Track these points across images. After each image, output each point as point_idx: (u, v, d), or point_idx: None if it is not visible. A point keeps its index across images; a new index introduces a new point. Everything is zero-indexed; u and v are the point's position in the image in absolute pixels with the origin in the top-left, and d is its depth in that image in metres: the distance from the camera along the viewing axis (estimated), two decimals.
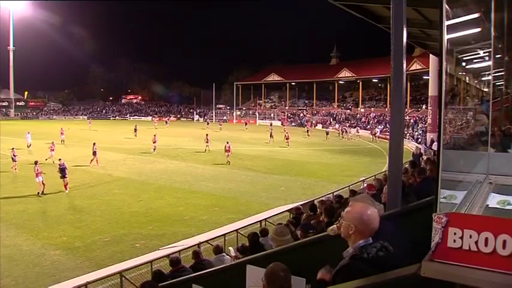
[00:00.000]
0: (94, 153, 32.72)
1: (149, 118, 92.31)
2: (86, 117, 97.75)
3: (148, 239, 16.67)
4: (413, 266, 1.94)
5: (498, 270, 1.68)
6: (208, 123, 79.00)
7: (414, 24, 15.15)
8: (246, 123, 76.09)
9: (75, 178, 26.81)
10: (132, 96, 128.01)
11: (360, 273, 2.79)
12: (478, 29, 4.62)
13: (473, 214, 2.30)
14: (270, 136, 49.98)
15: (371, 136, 56.46)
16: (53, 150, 33.69)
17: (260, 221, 16.48)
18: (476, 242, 1.72)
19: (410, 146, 44.16)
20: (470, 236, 1.73)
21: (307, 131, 59.59)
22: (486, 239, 1.70)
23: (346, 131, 61.12)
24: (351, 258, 2.91)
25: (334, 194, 16.73)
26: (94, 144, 33.37)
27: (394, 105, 5.68)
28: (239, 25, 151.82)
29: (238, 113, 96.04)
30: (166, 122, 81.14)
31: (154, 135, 41.68)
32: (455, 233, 1.75)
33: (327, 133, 58.17)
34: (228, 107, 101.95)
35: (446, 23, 2.12)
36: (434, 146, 18.24)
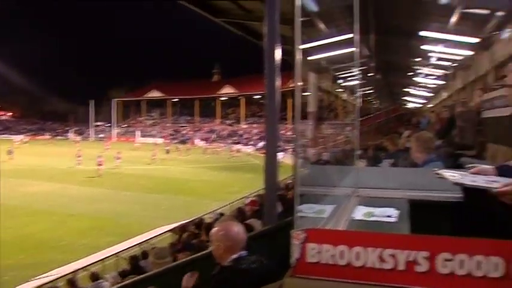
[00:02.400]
0: None
1: (21, 136, 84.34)
2: None
3: (19, 269, 15.23)
4: (276, 283, 2.00)
5: (352, 281, 1.78)
6: (77, 142, 73.65)
7: (290, 41, 15.93)
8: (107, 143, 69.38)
9: None
10: (0, 113, 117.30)
11: (228, 284, 2.83)
12: (353, 49, 4.94)
13: (330, 229, 2.43)
14: (153, 156, 48.33)
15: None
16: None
17: (141, 243, 16.03)
18: (333, 256, 1.81)
19: (291, 160, 45.87)
20: (328, 250, 1.82)
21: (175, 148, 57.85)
22: (342, 252, 1.80)
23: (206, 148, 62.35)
24: (221, 269, 2.95)
25: (217, 211, 16.83)
26: None
27: (268, 122, 5.83)
28: (119, 41, 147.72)
29: (118, 130, 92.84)
30: (21, 141, 73.05)
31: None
32: (313, 248, 1.83)
33: (168, 151, 57.19)
34: (108, 124, 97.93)
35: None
36: (323, 157, 19.24)
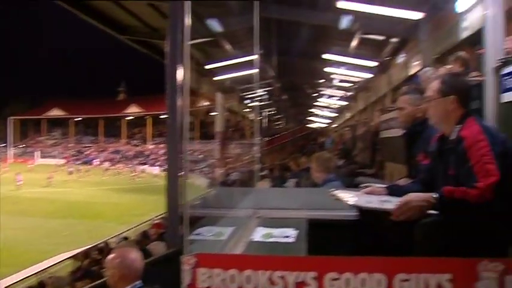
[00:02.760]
0: None
1: None
2: None
3: None
4: None
5: None
6: None
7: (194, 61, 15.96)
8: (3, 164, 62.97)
9: None
10: None
11: None
12: (254, 70, 5.01)
13: (220, 253, 2.43)
14: (49, 178, 45.54)
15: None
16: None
17: (38, 272, 15.02)
18: (223, 280, 1.79)
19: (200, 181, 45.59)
20: (218, 275, 1.80)
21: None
22: (232, 276, 1.79)
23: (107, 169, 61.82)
24: None
25: (121, 235, 16.25)
26: None
27: (170, 142, 5.71)
28: (16, 54, 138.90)
29: (16, 151, 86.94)
30: None
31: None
32: (204, 273, 1.81)
33: (71, 172, 55.47)
34: (3, 145, 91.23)
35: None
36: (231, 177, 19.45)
